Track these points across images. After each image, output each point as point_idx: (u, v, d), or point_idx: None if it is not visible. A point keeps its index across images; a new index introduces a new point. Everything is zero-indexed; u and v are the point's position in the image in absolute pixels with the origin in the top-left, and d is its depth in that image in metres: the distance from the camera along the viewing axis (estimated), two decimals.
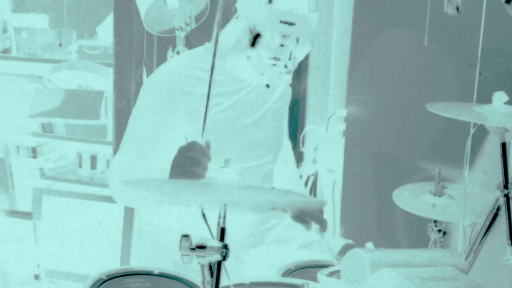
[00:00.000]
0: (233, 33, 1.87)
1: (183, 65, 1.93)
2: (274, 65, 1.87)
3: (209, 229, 1.35)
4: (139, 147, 1.89)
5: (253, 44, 1.84)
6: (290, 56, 1.88)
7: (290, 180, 2.27)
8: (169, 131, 1.90)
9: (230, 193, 1.30)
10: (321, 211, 1.96)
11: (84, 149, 3.52)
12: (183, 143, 1.72)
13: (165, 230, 2.03)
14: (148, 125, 1.90)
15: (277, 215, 2.16)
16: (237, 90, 1.97)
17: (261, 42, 1.84)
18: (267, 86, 1.93)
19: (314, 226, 1.95)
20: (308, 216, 1.91)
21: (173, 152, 1.72)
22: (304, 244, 2.10)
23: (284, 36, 1.83)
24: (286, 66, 1.88)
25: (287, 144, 2.31)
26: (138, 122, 1.93)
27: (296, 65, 1.92)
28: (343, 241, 2.09)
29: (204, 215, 1.38)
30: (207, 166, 1.65)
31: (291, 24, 1.81)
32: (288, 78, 1.94)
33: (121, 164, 1.89)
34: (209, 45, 1.99)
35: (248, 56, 1.86)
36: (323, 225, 1.92)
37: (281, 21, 1.81)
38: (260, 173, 2.05)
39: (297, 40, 1.86)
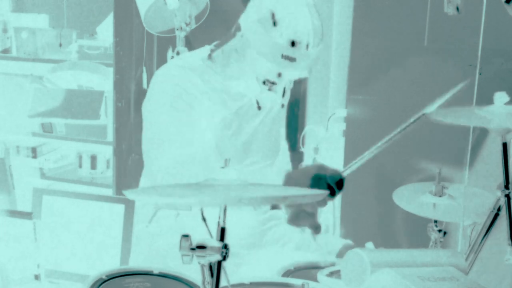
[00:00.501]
0: (235, 46, 1.86)
1: (186, 72, 1.93)
2: (269, 90, 1.87)
3: (209, 232, 1.35)
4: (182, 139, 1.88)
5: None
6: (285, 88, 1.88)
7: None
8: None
9: (232, 189, 1.30)
10: (314, 215, 1.96)
11: (84, 149, 3.52)
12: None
13: (163, 232, 2.02)
14: (177, 118, 1.90)
15: (277, 216, 2.16)
16: (235, 100, 1.97)
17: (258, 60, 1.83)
18: (259, 108, 1.92)
19: (309, 231, 1.95)
20: (302, 220, 1.90)
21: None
22: (304, 246, 2.10)
23: (281, 68, 1.83)
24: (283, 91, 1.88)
25: (283, 146, 2.32)
26: (165, 118, 1.92)
27: (291, 87, 1.92)
28: (342, 241, 2.09)
29: (204, 219, 1.38)
30: None
31: (292, 59, 1.80)
32: (279, 100, 1.93)
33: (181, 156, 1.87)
34: (206, 53, 1.99)
35: (243, 70, 1.86)
36: (316, 229, 1.92)
37: (282, 56, 1.80)
38: (256, 177, 2.05)
39: (291, 82, 1.87)
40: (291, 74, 1.85)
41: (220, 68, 1.91)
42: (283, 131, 2.26)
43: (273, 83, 1.86)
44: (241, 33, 1.85)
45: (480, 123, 1.84)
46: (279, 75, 1.84)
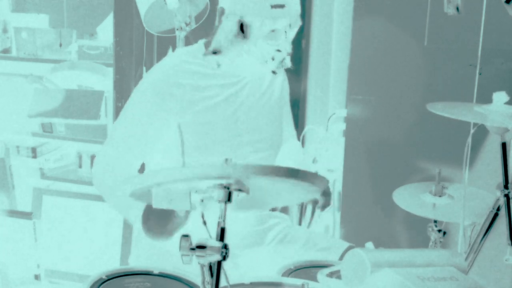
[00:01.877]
0: (227, 31, 1.89)
1: (178, 60, 1.96)
2: (278, 50, 1.88)
3: (208, 232, 1.35)
4: (126, 143, 1.92)
5: (244, 34, 1.86)
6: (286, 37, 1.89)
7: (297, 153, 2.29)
8: (160, 123, 1.92)
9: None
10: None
11: (84, 149, 3.52)
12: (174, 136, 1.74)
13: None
14: (138, 119, 1.92)
15: (276, 215, 2.16)
16: (232, 84, 1.97)
17: (252, 32, 1.85)
18: (274, 72, 1.95)
19: (320, 200, 1.97)
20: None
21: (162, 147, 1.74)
22: (305, 245, 2.10)
23: (275, 20, 1.84)
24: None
25: (296, 144, 2.32)
26: (129, 115, 1.95)
27: (291, 45, 1.93)
28: (345, 244, 2.10)
29: (204, 223, 1.38)
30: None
31: (282, 6, 1.84)
32: (288, 61, 1.94)
33: (106, 156, 1.95)
34: (202, 42, 2.01)
35: (248, 50, 1.88)
36: (328, 197, 1.94)
37: (272, 6, 1.83)
38: None
39: (290, 25, 1.87)
40: (287, 23, 1.87)
41: (222, 56, 1.92)
42: (287, 121, 2.26)
43: (277, 44, 1.88)
44: (226, 14, 1.88)
45: (478, 119, 1.84)
46: (273, 31, 1.86)
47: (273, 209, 2.21)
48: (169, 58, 2.03)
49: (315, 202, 2.05)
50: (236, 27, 1.88)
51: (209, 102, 1.94)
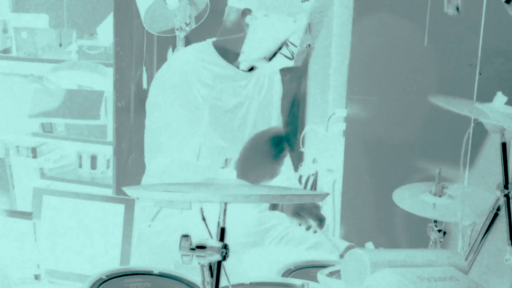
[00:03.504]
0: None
1: (195, 59, 1.93)
2: (308, 45, 1.87)
3: (209, 232, 1.35)
4: (170, 145, 1.90)
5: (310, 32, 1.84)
6: None
7: (288, 179, 2.27)
8: (194, 120, 1.90)
9: (230, 187, 1.31)
10: (318, 207, 1.95)
11: (84, 149, 3.52)
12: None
13: (165, 230, 2.03)
14: (175, 121, 1.90)
15: (277, 215, 2.16)
16: (242, 85, 1.97)
17: None
18: (292, 57, 1.91)
19: (313, 224, 1.94)
20: (305, 212, 1.90)
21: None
22: (305, 244, 2.09)
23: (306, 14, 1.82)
24: None
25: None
26: (164, 122, 1.93)
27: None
28: (345, 243, 2.09)
29: (204, 218, 1.38)
30: None
31: None
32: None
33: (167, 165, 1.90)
34: (210, 41, 1.99)
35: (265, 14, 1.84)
36: (321, 221, 1.92)
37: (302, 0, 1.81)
38: None
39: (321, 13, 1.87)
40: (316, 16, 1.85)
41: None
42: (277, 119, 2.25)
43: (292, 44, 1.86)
44: (254, 14, 1.86)
45: (478, 115, 1.84)
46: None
47: (274, 208, 2.21)
48: (184, 58, 1.99)
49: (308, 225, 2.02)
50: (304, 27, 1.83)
51: (222, 103, 1.93)
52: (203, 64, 1.92)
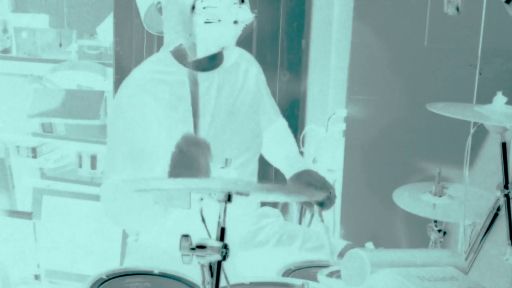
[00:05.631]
0: (175, 23, 1.85)
1: (145, 71, 1.92)
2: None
3: (207, 230, 1.35)
4: (135, 161, 1.82)
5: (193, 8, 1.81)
6: None
7: (288, 157, 2.20)
8: (152, 133, 1.85)
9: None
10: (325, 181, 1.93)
11: (84, 149, 3.52)
12: (171, 139, 1.68)
13: (152, 244, 2.00)
14: (131, 136, 1.84)
15: (269, 213, 2.15)
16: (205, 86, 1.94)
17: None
18: (235, 22, 1.84)
19: (316, 210, 1.93)
20: (311, 187, 1.89)
21: (164, 153, 1.68)
22: (304, 245, 2.09)
23: None
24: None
25: (282, 123, 2.26)
26: (121, 137, 1.86)
27: None
28: (343, 243, 2.09)
29: (203, 219, 1.38)
30: (209, 167, 1.64)
31: None
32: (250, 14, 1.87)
33: (122, 182, 1.81)
34: (164, 50, 1.97)
35: (206, 20, 1.81)
36: (327, 201, 1.90)
37: None
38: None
39: None
40: None
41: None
42: (266, 111, 2.18)
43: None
44: (164, 4, 1.86)
45: (477, 118, 1.84)
46: None
47: (263, 203, 2.18)
48: (134, 72, 1.95)
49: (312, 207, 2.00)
50: (186, 12, 1.79)
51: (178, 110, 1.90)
52: (160, 76, 1.90)
